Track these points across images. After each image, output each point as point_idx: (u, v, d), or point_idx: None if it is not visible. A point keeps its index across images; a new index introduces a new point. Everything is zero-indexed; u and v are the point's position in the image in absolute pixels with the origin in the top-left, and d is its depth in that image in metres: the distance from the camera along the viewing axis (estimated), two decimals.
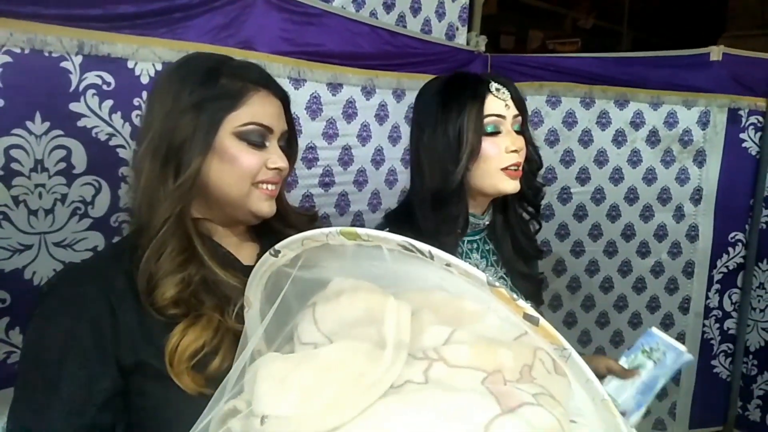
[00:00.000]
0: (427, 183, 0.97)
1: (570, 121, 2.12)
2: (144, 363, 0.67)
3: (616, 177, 2.13)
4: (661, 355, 1.03)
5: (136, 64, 1.17)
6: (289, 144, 0.80)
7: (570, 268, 2.18)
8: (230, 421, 0.55)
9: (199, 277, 0.69)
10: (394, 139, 1.84)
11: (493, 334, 0.53)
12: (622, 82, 2.06)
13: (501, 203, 1.06)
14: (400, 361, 0.50)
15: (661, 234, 2.14)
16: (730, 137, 2.07)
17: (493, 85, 0.97)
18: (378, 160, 1.80)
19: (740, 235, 2.13)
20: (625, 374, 1.02)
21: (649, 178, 2.12)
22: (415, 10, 1.86)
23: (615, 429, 0.45)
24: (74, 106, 1.10)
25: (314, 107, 1.58)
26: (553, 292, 2.19)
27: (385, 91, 1.76)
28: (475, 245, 1.04)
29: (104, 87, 1.14)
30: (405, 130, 1.85)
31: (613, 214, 2.15)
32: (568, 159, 2.14)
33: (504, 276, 1.05)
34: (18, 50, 1.02)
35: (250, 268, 0.63)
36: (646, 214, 2.14)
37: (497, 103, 0.96)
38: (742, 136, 2.08)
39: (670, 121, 2.08)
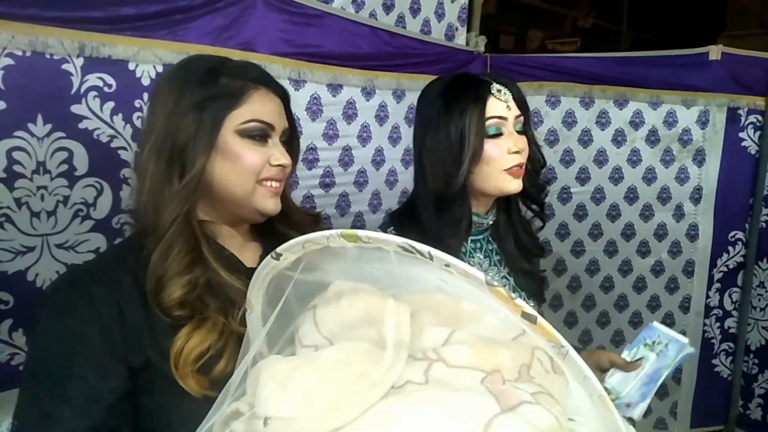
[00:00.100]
0: (430, 185, 0.97)
1: (570, 120, 2.12)
2: (151, 364, 0.67)
3: (616, 176, 2.13)
4: (664, 347, 1.05)
5: (137, 65, 1.18)
6: (290, 141, 0.80)
7: (570, 268, 2.19)
8: (233, 423, 0.55)
9: (204, 279, 0.70)
10: (394, 139, 1.84)
11: (492, 335, 0.53)
12: (622, 81, 2.07)
13: (505, 202, 1.07)
14: (401, 362, 0.51)
15: (661, 233, 2.14)
16: (729, 136, 2.07)
17: (495, 87, 0.97)
18: (378, 160, 1.80)
19: (740, 234, 2.13)
20: (628, 366, 1.03)
21: (649, 177, 2.12)
22: (415, 10, 1.87)
23: (613, 424, 0.46)
24: (76, 108, 1.11)
25: (314, 108, 1.58)
26: (553, 292, 2.19)
27: (384, 92, 1.77)
28: (478, 245, 1.04)
29: (105, 89, 1.14)
30: (405, 131, 1.86)
31: (613, 213, 2.15)
32: (567, 159, 2.14)
33: (507, 275, 1.06)
34: (20, 53, 1.03)
35: (253, 270, 0.64)
36: (646, 213, 2.14)
37: (499, 105, 0.96)
38: (742, 135, 2.08)
39: (670, 121, 2.09)
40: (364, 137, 1.74)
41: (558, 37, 5.27)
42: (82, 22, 1.09)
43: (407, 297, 0.57)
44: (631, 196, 2.14)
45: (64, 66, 1.09)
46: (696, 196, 2.11)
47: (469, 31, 2.08)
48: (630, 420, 1.02)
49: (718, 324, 2.19)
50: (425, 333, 0.54)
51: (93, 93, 1.13)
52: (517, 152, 0.96)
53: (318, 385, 0.50)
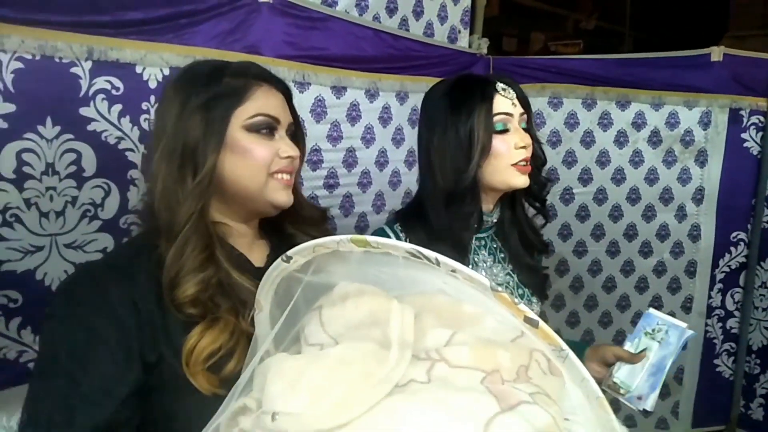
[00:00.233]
0: (440, 183, 0.99)
1: (572, 122, 2.13)
2: (164, 360, 0.68)
3: (618, 177, 2.14)
4: (664, 334, 1.04)
5: (144, 69, 1.20)
6: (296, 135, 0.82)
7: (573, 268, 2.19)
8: (241, 419, 0.57)
9: (216, 280, 0.71)
10: (397, 141, 1.85)
11: (492, 336, 0.54)
12: (624, 83, 2.08)
13: (509, 200, 1.09)
14: (405, 361, 0.52)
15: (663, 234, 2.15)
16: (731, 137, 2.07)
17: (500, 85, 1.00)
18: (382, 161, 1.81)
19: (742, 235, 2.13)
20: (633, 359, 1.04)
21: (651, 178, 2.13)
22: (418, 13, 1.88)
23: (609, 425, 0.48)
24: (84, 111, 1.12)
25: (319, 110, 1.60)
26: (556, 292, 2.20)
27: (388, 94, 1.78)
28: (483, 242, 1.06)
29: (113, 92, 1.16)
30: (408, 132, 1.87)
31: (616, 214, 2.16)
32: (570, 160, 2.15)
33: (510, 272, 1.08)
34: (29, 56, 1.05)
35: (262, 270, 0.65)
36: (648, 214, 2.15)
37: (505, 102, 0.99)
38: (744, 136, 2.08)
39: (672, 122, 2.09)
40: (368, 139, 1.75)
41: (561, 38, 5.27)
42: (91, 27, 1.11)
43: (410, 299, 0.58)
44: (634, 196, 2.14)
45: (73, 69, 1.10)
46: (698, 197, 2.12)
47: (471, 33, 2.10)
48: (644, 411, 1.03)
49: (720, 324, 2.20)
50: (428, 334, 0.55)
51: (101, 96, 1.14)
52: (523, 147, 0.99)
53: (325, 383, 0.52)
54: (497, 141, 0.98)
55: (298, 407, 0.50)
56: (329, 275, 0.60)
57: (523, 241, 1.10)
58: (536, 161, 1.06)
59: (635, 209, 2.15)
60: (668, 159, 2.11)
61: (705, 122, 2.08)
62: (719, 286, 2.17)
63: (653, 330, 1.06)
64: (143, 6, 1.17)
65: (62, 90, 1.10)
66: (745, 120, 2.08)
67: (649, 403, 1.02)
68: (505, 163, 0.98)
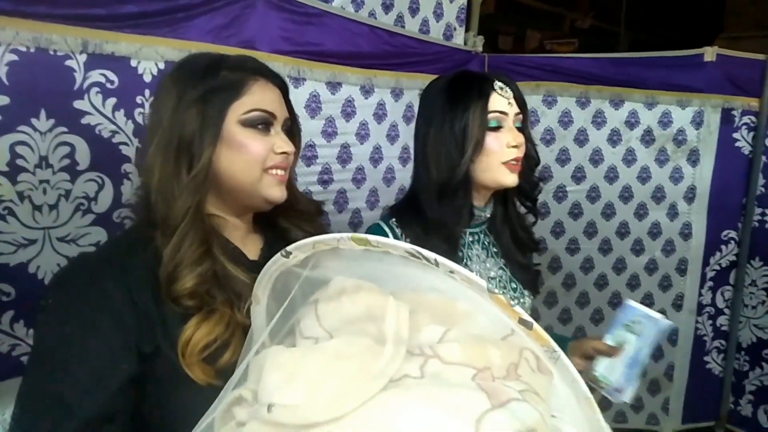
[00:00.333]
0: (434, 176, 1.01)
1: (566, 120, 2.14)
2: (160, 352, 0.69)
3: (611, 176, 2.16)
4: (642, 326, 1.05)
5: (138, 62, 1.20)
6: (291, 131, 0.82)
7: (565, 266, 2.21)
8: (236, 410, 0.57)
9: (212, 272, 0.71)
10: (392, 137, 1.86)
11: (483, 333, 0.55)
12: (617, 82, 2.09)
13: (502, 197, 1.10)
14: (400, 357, 0.53)
15: (655, 232, 2.17)
16: (723, 137, 2.10)
17: (497, 84, 1.01)
18: (376, 158, 1.82)
19: (733, 233, 2.16)
20: (612, 352, 1.05)
21: (644, 177, 2.15)
22: (414, 10, 1.89)
23: (597, 425, 0.49)
24: (78, 104, 1.12)
25: (313, 106, 1.60)
26: (548, 289, 2.21)
27: (383, 91, 1.79)
28: (476, 237, 1.08)
29: (108, 85, 1.16)
30: (403, 129, 1.88)
31: (608, 212, 2.17)
32: (563, 158, 2.16)
33: (503, 266, 1.09)
34: (23, 49, 1.04)
35: (256, 262, 0.65)
36: (641, 212, 2.16)
37: (501, 101, 1.00)
38: (735, 135, 2.11)
39: (665, 121, 2.11)
40: (363, 135, 1.76)
41: (556, 37, 5.29)
42: (86, 20, 1.10)
43: (404, 296, 0.59)
44: (626, 195, 2.16)
45: (68, 62, 1.10)
46: (690, 196, 2.14)
47: (467, 30, 2.10)
48: (624, 403, 1.04)
49: (710, 322, 2.22)
50: (422, 330, 0.56)
51: (95, 89, 1.14)
52: (515, 146, 1.00)
53: (321, 376, 0.52)
54: (490, 138, 0.99)
55: (294, 399, 0.51)
56: (326, 270, 0.61)
57: (515, 240, 1.12)
58: (529, 161, 1.08)
59: (628, 207, 2.16)
60: (661, 158, 2.13)
61: (697, 122, 2.09)
62: (710, 283, 2.19)
63: (631, 322, 1.06)
64: None
65: (56, 83, 1.09)
66: (737, 120, 2.10)
67: (628, 396, 1.03)
68: (497, 161, 1.00)
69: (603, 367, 1.06)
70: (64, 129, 1.11)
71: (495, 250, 1.10)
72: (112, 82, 1.16)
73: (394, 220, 1.04)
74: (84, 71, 1.12)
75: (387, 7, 1.79)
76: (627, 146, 2.14)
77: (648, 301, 2.21)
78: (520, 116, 1.04)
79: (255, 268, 0.66)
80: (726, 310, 2.21)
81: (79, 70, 1.12)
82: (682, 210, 2.15)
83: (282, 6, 1.44)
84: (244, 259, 0.79)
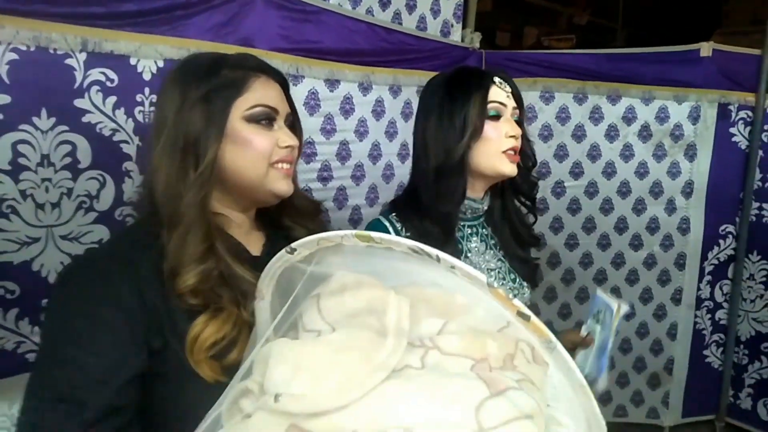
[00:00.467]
0: (432, 162, 1.03)
1: (563, 116, 2.15)
2: (169, 347, 0.69)
3: (609, 171, 2.17)
4: (604, 315, 1.07)
5: (138, 61, 1.20)
6: (293, 126, 0.84)
7: (564, 261, 2.22)
8: (242, 401, 0.58)
9: (218, 272, 0.72)
10: (390, 134, 1.87)
11: (480, 325, 0.57)
12: (615, 77, 2.10)
13: (498, 191, 1.11)
14: (401, 348, 0.54)
15: (653, 227, 2.18)
16: (720, 132, 2.11)
17: (497, 78, 1.04)
18: (375, 155, 1.83)
19: (731, 228, 2.17)
20: (582, 342, 1.07)
21: (642, 172, 2.16)
22: (411, 7, 1.90)
23: (592, 411, 0.51)
24: (79, 102, 1.13)
25: (312, 103, 1.61)
26: (547, 285, 2.22)
27: (381, 87, 1.80)
28: (474, 230, 1.09)
29: (108, 83, 1.16)
30: (401, 126, 1.89)
31: (606, 207, 2.19)
32: (561, 153, 2.17)
33: (502, 258, 1.10)
34: (24, 48, 1.05)
35: (259, 259, 0.66)
36: (639, 207, 2.18)
37: (500, 93, 1.03)
38: (732, 130, 2.12)
39: (662, 116, 2.12)
40: (361, 132, 1.77)
41: (554, 34, 5.30)
42: (85, 18, 1.11)
43: (404, 290, 0.60)
44: (624, 190, 2.17)
45: (68, 61, 1.11)
46: (687, 191, 2.15)
47: (464, 27, 2.11)
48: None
49: (709, 315, 2.23)
50: (422, 323, 0.57)
51: (96, 87, 1.15)
52: (513, 137, 1.02)
53: (326, 367, 0.53)
54: (489, 126, 1.01)
55: (300, 389, 0.52)
56: (329, 266, 0.62)
57: (515, 235, 1.13)
58: (525, 161, 1.09)
59: (626, 203, 2.17)
60: (658, 153, 2.14)
61: (694, 117, 2.10)
62: (708, 278, 2.21)
63: (598, 312, 1.08)
64: None
65: (57, 81, 1.10)
66: (733, 115, 2.11)
67: (600, 386, 1.04)
68: (495, 149, 1.01)
69: (580, 358, 1.08)
70: (65, 127, 1.11)
71: (493, 242, 1.11)
72: (112, 81, 1.17)
73: (394, 214, 1.05)
74: (84, 70, 1.13)
75: (384, 4, 1.80)
76: (624, 141, 2.15)
77: (647, 295, 2.22)
78: (518, 111, 1.05)
79: (258, 264, 0.67)
80: (725, 304, 2.23)
81: (79, 69, 1.12)
82: (680, 205, 2.16)
83: (280, 4, 1.45)
84: (247, 256, 0.80)
